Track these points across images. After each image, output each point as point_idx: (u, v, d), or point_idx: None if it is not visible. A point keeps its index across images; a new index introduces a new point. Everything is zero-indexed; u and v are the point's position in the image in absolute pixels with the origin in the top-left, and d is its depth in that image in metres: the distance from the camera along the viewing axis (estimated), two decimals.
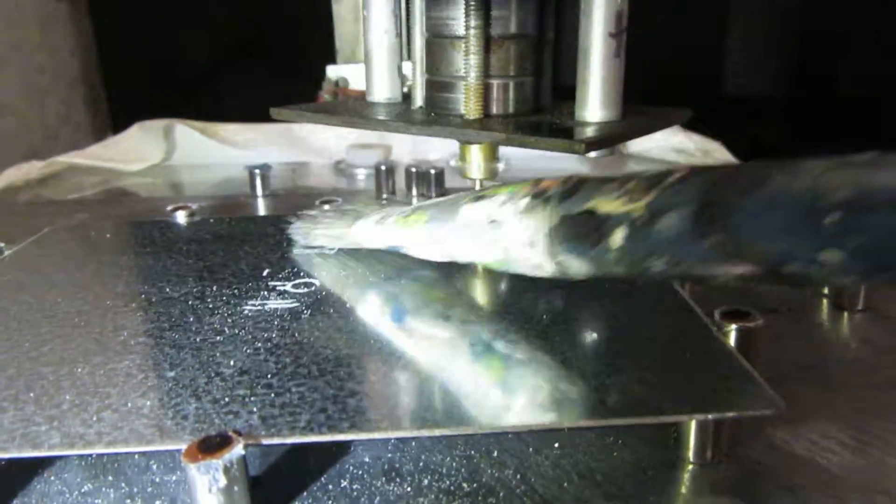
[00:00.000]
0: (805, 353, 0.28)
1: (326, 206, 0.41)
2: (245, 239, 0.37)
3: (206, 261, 0.34)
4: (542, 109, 0.34)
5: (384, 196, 0.53)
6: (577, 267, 0.23)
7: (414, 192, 0.53)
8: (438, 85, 0.33)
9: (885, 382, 0.26)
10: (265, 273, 0.32)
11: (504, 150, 0.34)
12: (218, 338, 0.26)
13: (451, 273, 0.32)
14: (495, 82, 0.32)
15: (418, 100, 0.34)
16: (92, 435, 0.20)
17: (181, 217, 0.41)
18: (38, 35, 1.14)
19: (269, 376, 0.23)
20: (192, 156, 0.66)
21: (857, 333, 0.30)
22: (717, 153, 0.60)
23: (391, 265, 0.33)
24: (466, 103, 0.31)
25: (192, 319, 0.28)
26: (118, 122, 1.18)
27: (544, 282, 0.27)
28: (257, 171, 0.54)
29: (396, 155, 0.63)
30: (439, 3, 0.32)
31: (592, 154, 0.29)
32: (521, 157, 0.59)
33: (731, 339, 0.25)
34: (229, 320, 0.27)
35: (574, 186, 0.23)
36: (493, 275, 0.31)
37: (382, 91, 0.36)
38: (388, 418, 0.21)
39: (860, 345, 0.29)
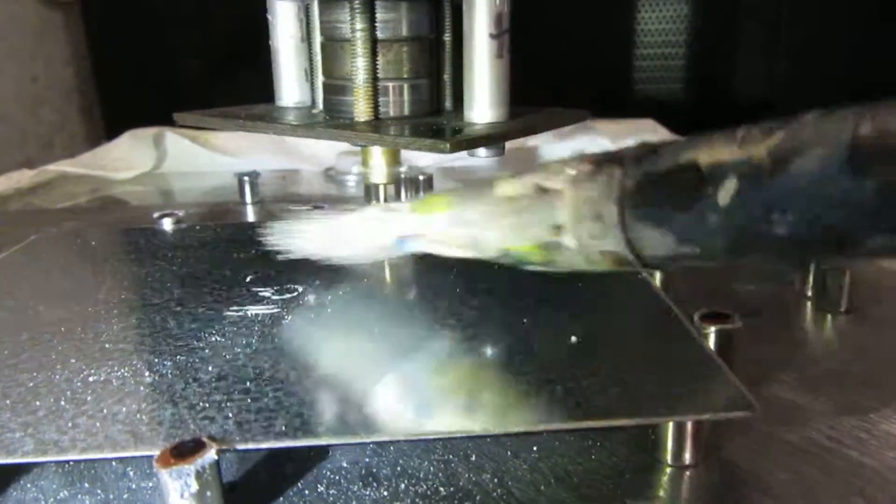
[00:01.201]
0: (786, 354, 0.28)
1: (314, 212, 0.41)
2: (230, 245, 0.37)
3: (189, 267, 0.34)
4: (441, 112, 0.34)
5: (373, 203, 0.53)
6: (657, 242, 0.19)
7: (403, 198, 0.53)
8: (334, 88, 0.33)
9: (863, 383, 0.26)
10: (248, 279, 0.32)
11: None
12: (197, 343, 0.26)
13: (431, 273, 0.32)
14: (389, 84, 0.32)
15: (319, 103, 0.35)
16: (66, 441, 0.20)
17: (167, 224, 0.41)
18: (32, 44, 1.14)
19: (246, 382, 0.23)
20: (182, 163, 0.66)
21: (839, 335, 0.30)
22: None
23: (375, 266, 0.33)
24: (356, 105, 0.32)
25: (172, 325, 0.28)
26: (111, 130, 1.18)
27: (525, 282, 0.27)
28: (246, 178, 0.54)
29: None
30: (329, 7, 0.32)
31: (482, 153, 0.29)
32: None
33: (711, 342, 0.25)
34: (210, 326, 0.27)
35: (655, 148, 0.19)
36: (473, 273, 0.31)
37: (291, 95, 0.36)
38: (363, 423, 0.21)
39: (841, 346, 0.29)
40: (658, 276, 0.31)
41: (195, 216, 0.51)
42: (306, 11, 0.35)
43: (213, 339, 0.26)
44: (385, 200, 0.38)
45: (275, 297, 0.30)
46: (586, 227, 0.20)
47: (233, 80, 1.08)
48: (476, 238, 0.23)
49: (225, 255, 0.35)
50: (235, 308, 0.29)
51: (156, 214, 0.41)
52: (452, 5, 0.34)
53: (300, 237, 0.29)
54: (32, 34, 1.14)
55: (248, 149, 0.65)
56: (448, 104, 0.35)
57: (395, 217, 0.26)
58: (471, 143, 0.29)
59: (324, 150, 0.64)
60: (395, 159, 0.35)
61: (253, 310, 0.29)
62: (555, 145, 0.63)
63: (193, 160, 0.66)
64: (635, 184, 0.19)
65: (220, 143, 0.67)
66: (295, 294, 0.30)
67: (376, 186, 0.37)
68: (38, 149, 1.17)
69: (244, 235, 0.38)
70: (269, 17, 0.36)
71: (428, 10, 0.33)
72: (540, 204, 0.21)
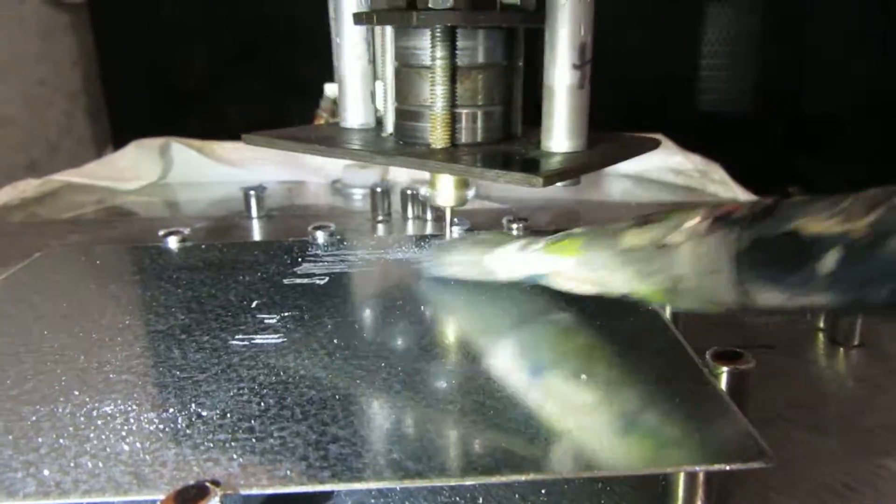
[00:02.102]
0: (799, 391, 0.28)
1: (319, 232, 0.41)
2: (235, 266, 0.37)
3: (195, 290, 0.34)
4: (513, 137, 0.34)
5: (379, 217, 0.53)
6: (769, 297, 0.21)
7: (409, 213, 0.53)
8: (407, 114, 0.33)
9: (876, 424, 0.26)
10: (254, 304, 0.32)
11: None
12: (202, 376, 0.26)
13: (446, 301, 0.32)
14: (463, 112, 0.32)
15: (389, 127, 0.34)
16: (68, 483, 0.20)
17: (173, 242, 0.40)
18: (40, 46, 1.15)
19: (251, 420, 0.23)
20: (188, 174, 0.66)
21: (852, 370, 0.30)
22: (714, 174, 0.60)
23: (381, 294, 0.32)
24: (433, 132, 0.31)
25: (176, 355, 0.27)
26: (118, 132, 1.18)
27: (533, 323, 0.26)
28: (252, 192, 0.54)
29: (393, 175, 0.63)
30: (407, 33, 0.32)
31: (561, 183, 0.29)
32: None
33: (723, 382, 0.24)
34: (214, 357, 0.27)
35: (767, 209, 0.21)
36: (489, 305, 0.31)
37: (356, 117, 0.36)
38: (370, 467, 0.20)
39: (854, 382, 0.29)
40: (668, 307, 0.30)
41: (201, 231, 0.51)
42: (373, 35, 0.34)
43: (218, 370, 0.26)
44: (451, 223, 0.37)
45: (280, 326, 0.30)
46: (704, 281, 0.23)
47: (239, 84, 1.08)
48: (604, 280, 0.27)
49: (230, 278, 0.35)
50: (241, 337, 0.29)
51: (161, 232, 0.41)
52: (526, 30, 0.33)
53: (447, 267, 0.33)
54: (39, 37, 1.14)
55: (253, 160, 0.65)
56: (518, 129, 0.35)
57: (533, 255, 0.29)
58: (561, 177, 0.28)
59: (330, 163, 0.64)
60: (463, 183, 0.34)
61: (258, 339, 0.28)
62: None
63: (199, 171, 0.66)
64: (749, 244, 0.21)
65: (225, 154, 0.67)
66: (300, 322, 0.30)
67: (443, 210, 0.36)
68: (45, 151, 1.17)
69: (250, 256, 0.38)
70: (337, 39, 0.35)
71: (504, 36, 0.32)
72: (661, 255, 0.24)
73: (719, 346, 0.26)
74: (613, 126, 0.68)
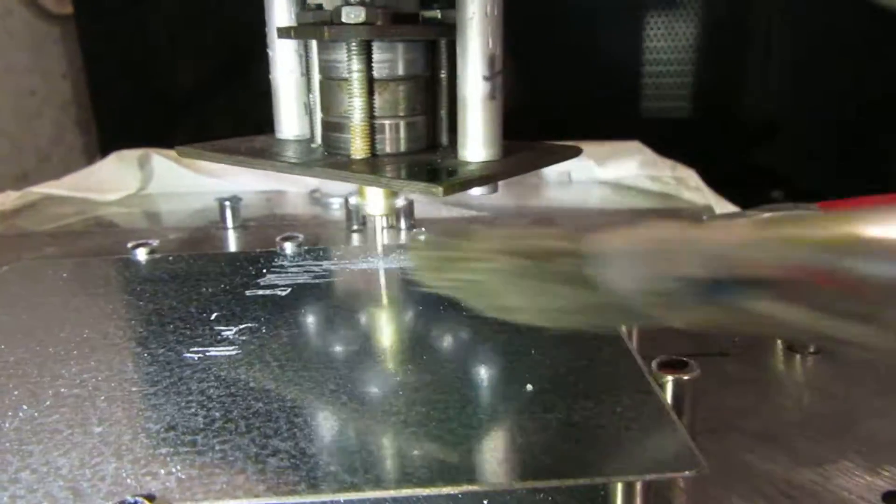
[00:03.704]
0: (750, 399, 0.28)
1: (287, 243, 0.41)
2: (200, 279, 0.37)
3: (156, 303, 0.34)
4: (438, 147, 0.34)
5: (354, 227, 0.53)
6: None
7: (383, 223, 0.53)
8: (332, 125, 0.33)
9: (822, 433, 0.26)
10: (213, 317, 0.32)
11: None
12: (151, 389, 0.26)
13: (402, 315, 0.32)
14: (386, 122, 0.32)
15: (318, 138, 0.35)
16: (5, 499, 0.20)
17: (141, 254, 0.41)
18: (29, 57, 1.15)
19: (195, 433, 0.23)
20: (167, 185, 0.66)
21: (806, 378, 0.30)
22: (690, 181, 0.60)
23: (340, 305, 0.33)
24: (353, 143, 0.32)
25: (129, 368, 0.27)
26: (107, 143, 1.19)
27: (484, 329, 0.27)
28: (227, 202, 0.54)
29: None
30: (328, 47, 0.32)
31: (476, 191, 0.29)
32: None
33: (668, 391, 0.25)
34: (167, 370, 0.27)
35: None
36: (449, 318, 0.31)
37: (290, 128, 0.36)
38: (306, 480, 0.20)
39: (806, 390, 0.29)
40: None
41: (175, 241, 0.51)
42: (305, 47, 0.35)
43: (168, 384, 0.26)
44: (383, 230, 0.38)
45: (236, 338, 0.30)
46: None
47: (227, 95, 1.09)
48: None
49: (194, 290, 0.35)
50: (195, 350, 0.29)
51: (130, 244, 0.41)
52: (448, 42, 0.34)
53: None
54: (29, 47, 1.15)
55: (232, 170, 0.65)
56: (444, 139, 0.35)
57: None
58: (463, 186, 0.29)
59: None
60: (391, 192, 0.35)
61: (212, 351, 0.29)
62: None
63: (178, 181, 0.66)
64: None
65: (204, 164, 0.67)
66: (257, 334, 0.30)
67: (373, 217, 0.37)
68: (35, 162, 1.17)
69: (216, 268, 0.38)
70: (269, 51, 0.36)
71: (424, 49, 0.33)
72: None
73: (674, 353, 0.26)
74: (591, 133, 0.68)
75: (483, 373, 0.26)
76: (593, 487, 0.22)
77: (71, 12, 1.16)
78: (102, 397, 0.25)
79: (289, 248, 0.41)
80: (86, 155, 1.27)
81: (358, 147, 0.32)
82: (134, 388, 0.26)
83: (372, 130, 0.32)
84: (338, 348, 0.29)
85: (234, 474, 0.21)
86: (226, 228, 0.54)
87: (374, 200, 0.34)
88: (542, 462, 0.21)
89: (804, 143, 0.87)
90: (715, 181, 0.60)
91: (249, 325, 0.31)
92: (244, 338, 0.30)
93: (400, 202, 0.35)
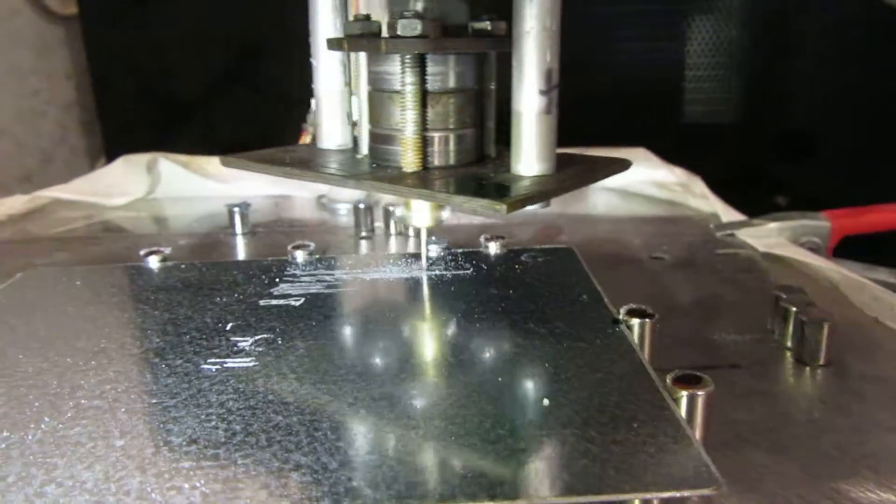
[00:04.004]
0: (761, 412, 0.28)
1: (298, 252, 0.41)
2: (214, 288, 0.37)
3: (171, 312, 0.34)
4: (486, 159, 0.35)
5: (363, 233, 0.53)
6: None
7: (392, 229, 0.53)
8: (380, 137, 0.33)
9: (834, 446, 0.26)
10: (228, 327, 0.32)
11: None
12: (171, 401, 0.26)
13: (407, 329, 0.32)
14: (435, 135, 0.32)
15: (364, 149, 0.35)
16: None
17: (153, 262, 0.41)
18: (34, 58, 1.15)
19: (216, 446, 0.23)
20: (175, 189, 0.67)
21: (816, 391, 0.30)
22: (696, 187, 0.61)
23: (355, 316, 0.33)
24: (404, 156, 0.32)
25: (148, 380, 0.28)
26: (111, 143, 1.19)
27: (502, 342, 0.27)
28: (236, 209, 0.54)
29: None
30: (378, 58, 0.32)
31: (531, 207, 0.29)
32: None
33: (682, 406, 0.25)
34: (185, 382, 0.27)
35: None
36: (452, 331, 0.31)
37: (333, 138, 0.36)
38: (328, 495, 0.21)
39: (817, 403, 0.29)
40: (636, 326, 0.31)
41: (185, 248, 0.51)
42: (348, 57, 0.35)
43: (188, 396, 0.26)
44: (427, 243, 0.38)
45: (252, 349, 0.30)
46: None
47: (231, 97, 1.09)
48: None
49: (208, 299, 0.36)
50: (213, 360, 0.29)
51: (142, 251, 0.41)
52: (498, 53, 0.34)
53: None
54: (34, 48, 1.15)
55: (240, 175, 0.66)
56: (492, 150, 0.35)
57: None
58: (524, 203, 0.28)
59: None
60: (438, 203, 0.35)
61: (230, 363, 0.29)
62: None
63: (186, 186, 0.66)
64: None
65: (212, 169, 0.67)
66: (273, 345, 0.30)
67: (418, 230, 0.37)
68: (38, 162, 1.18)
69: (228, 276, 0.39)
70: (313, 61, 0.36)
71: (474, 61, 0.33)
72: None
73: (686, 366, 0.26)
74: (596, 138, 0.68)
75: (500, 387, 0.27)
76: None
77: (76, 13, 1.17)
78: (123, 409, 0.26)
79: (300, 256, 0.41)
80: (89, 156, 1.28)
81: (410, 160, 0.32)
82: (154, 400, 0.26)
83: (424, 144, 0.32)
84: (354, 360, 0.29)
85: (257, 489, 0.21)
86: (235, 234, 0.54)
87: (421, 212, 0.34)
88: (561, 479, 0.21)
89: (811, 149, 0.88)
90: (718, 187, 0.61)
91: (265, 335, 0.31)
92: (260, 349, 0.30)
93: (446, 214, 0.35)
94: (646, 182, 0.64)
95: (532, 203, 0.29)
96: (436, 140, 0.33)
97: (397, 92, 0.32)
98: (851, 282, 0.40)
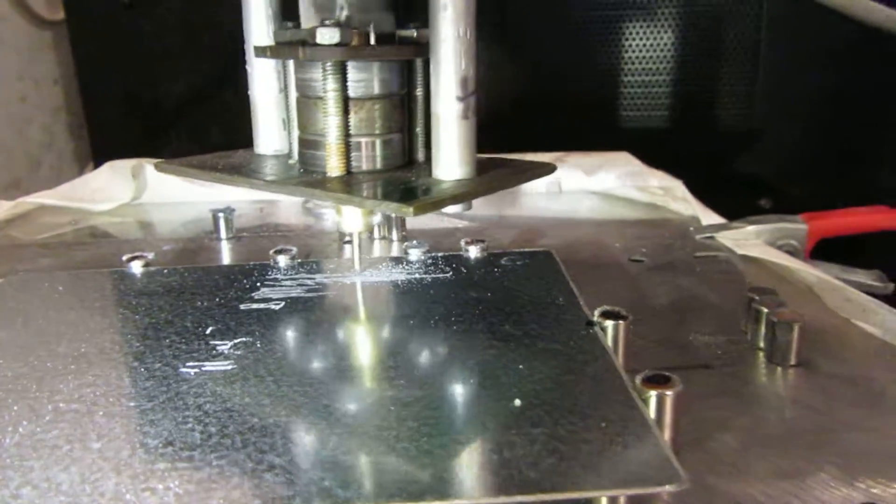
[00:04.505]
0: (732, 411, 0.29)
1: (280, 256, 0.41)
2: (195, 292, 0.37)
3: (152, 317, 0.34)
4: (413, 163, 0.35)
5: (346, 238, 0.54)
6: None
7: (376, 234, 0.54)
8: (308, 142, 0.34)
9: (802, 445, 0.26)
10: (208, 331, 0.33)
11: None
12: (149, 404, 0.26)
13: (384, 332, 0.33)
14: (362, 140, 0.33)
15: (294, 155, 0.35)
16: None
17: (136, 267, 0.41)
18: (20, 63, 1.15)
19: (192, 448, 0.23)
20: (161, 194, 0.67)
21: (787, 391, 0.31)
22: (677, 191, 0.61)
23: (333, 319, 0.33)
24: (328, 161, 0.32)
25: (127, 383, 0.28)
26: (99, 150, 1.19)
27: (474, 344, 0.27)
28: (220, 214, 0.54)
29: None
30: (304, 66, 0.33)
31: (450, 209, 0.30)
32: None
33: (651, 405, 0.25)
34: (164, 385, 0.28)
35: None
36: (424, 334, 0.32)
37: (269, 144, 0.37)
38: (300, 495, 0.21)
39: (787, 402, 0.30)
40: (610, 328, 0.31)
41: (169, 253, 0.51)
42: (283, 64, 0.36)
43: (165, 399, 0.27)
44: (360, 249, 0.39)
45: (231, 352, 0.30)
46: None
47: (219, 102, 1.09)
48: None
49: (189, 304, 0.36)
50: (192, 364, 0.29)
51: (125, 257, 0.42)
52: (424, 60, 0.35)
53: None
54: (20, 53, 1.15)
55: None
56: (420, 155, 0.36)
57: None
58: (434, 206, 0.30)
59: None
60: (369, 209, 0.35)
61: (208, 366, 0.29)
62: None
63: (172, 191, 0.66)
64: None
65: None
66: (252, 349, 0.31)
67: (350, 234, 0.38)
68: (26, 168, 1.17)
69: (210, 281, 0.39)
70: (248, 68, 0.37)
71: (399, 68, 0.34)
72: None
73: (658, 366, 0.27)
74: (581, 144, 0.69)
75: (472, 388, 0.27)
76: (577, 502, 0.23)
77: (63, 18, 1.17)
78: (101, 412, 0.26)
79: (282, 261, 0.41)
80: (77, 161, 1.28)
81: (333, 165, 0.32)
82: (131, 404, 0.27)
83: (347, 148, 0.33)
84: (331, 363, 0.29)
85: (230, 489, 0.21)
86: (220, 239, 0.54)
87: (352, 217, 0.35)
88: (528, 476, 0.22)
89: (790, 152, 0.89)
90: (701, 191, 0.62)
91: (244, 339, 0.32)
92: (239, 352, 0.30)
93: (377, 219, 0.36)
94: (628, 186, 0.64)
95: (443, 206, 0.30)
96: (362, 145, 0.33)
97: (321, 98, 0.32)
98: (825, 283, 0.41)
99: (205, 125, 1.10)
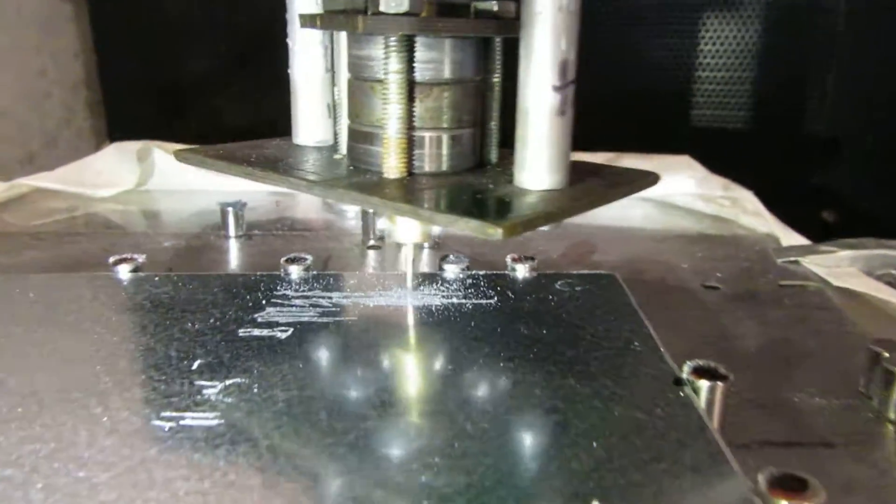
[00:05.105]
0: None
1: (293, 267, 0.35)
2: (186, 310, 0.31)
3: (130, 341, 0.28)
4: (486, 166, 0.29)
5: (370, 242, 0.47)
6: None
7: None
8: (360, 135, 0.28)
9: None
10: (195, 365, 0.26)
11: None
12: (104, 476, 0.20)
13: (417, 381, 0.26)
14: (426, 135, 0.27)
15: (342, 148, 0.29)
16: None
17: (123, 272, 0.35)
18: (40, 37, 1.10)
19: None
20: (169, 181, 0.61)
21: None
22: (747, 203, 0.54)
23: (352, 356, 0.27)
24: (385, 159, 0.26)
25: (81, 440, 0.22)
26: (115, 128, 1.14)
27: (534, 406, 0.21)
28: (230, 208, 0.48)
29: None
30: (360, 41, 0.26)
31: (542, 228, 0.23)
32: None
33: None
34: (128, 444, 0.21)
35: None
36: (472, 388, 0.25)
37: (311, 133, 0.31)
38: None
39: None
40: (704, 390, 0.24)
41: (168, 250, 0.45)
42: (332, 39, 0.29)
43: (126, 468, 0.20)
44: (414, 263, 0.32)
45: (219, 400, 0.24)
46: None
47: (241, 81, 1.03)
48: None
49: (177, 325, 0.29)
50: (168, 414, 0.23)
51: (111, 259, 0.35)
52: (504, 39, 0.28)
53: None
54: (40, 27, 1.10)
55: None
56: (493, 155, 0.30)
57: None
58: (526, 227, 0.23)
59: None
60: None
61: (188, 418, 0.23)
62: None
63: (181, 178, 0.60)
64: None
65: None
66: (246, 395, 0.24)
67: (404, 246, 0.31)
68: (42, 145, 1.13)
69: (207, 294, 0.32)
70: (290, 42, 0.30)
71: (475, 48, 0.27)
72: None
73: (761, 439, 0.20)
74: (636, 146, 0.61)
75: (533, 474, 0.20)
76: None
77: None
78: (39, 485, 0.20)
79: (294, 272, 0.35)
80: (95, 138, 1.22)
81: (392, 165, 0.26)
82: (81, 473, 0.20)
83: (409, 145, 0.26)
84: (346, 424, 0.23)
85: None
86: (228, 237, 0.48)
87: (408, 227, 0.29)
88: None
89: (862, 161, 0.80)
90: (762, 199, 0.54)
91: (238, 380, 0.25)
92: (230, 399, 0.24)
93: (437, 230, 0.29)
94: (689, 194, 0.57)
95: (535, 227, 0.23)
96: (426, 141, 0.27)
97: (380, 81, 0.26)
98: None
99: (226, 106, 1.04)
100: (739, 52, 0.78)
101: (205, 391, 0.24)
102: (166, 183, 0.61)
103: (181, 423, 0.23)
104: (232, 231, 0.48)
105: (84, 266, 0.42)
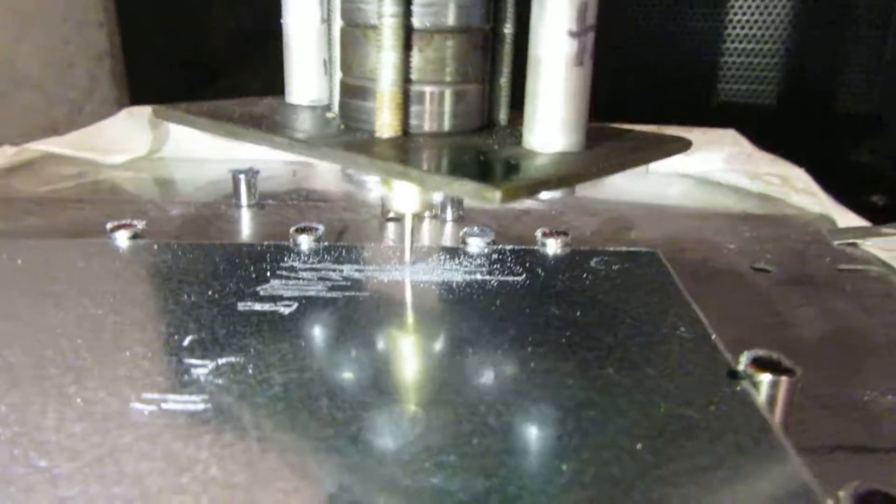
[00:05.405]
0: None
1: (302, 236, 0.32)
2: (184, 280, 0.28)
3: (119, 312, 0.25)
4: (494, 126, 0.26)
5: (390, 214, 0.44)
6: None
7: (427, 212, 0.44)
8: (353, 89, 0.25)
9: None
10: (186, 341, 0.23)
11: None
12: (68, 466, 0.17)
13: (431, 366, 0.23)
14: (426, 90, 0.24)
15: (334, 106, 0.26)
16: None
17: (121, 238, 0.32)
18: (65, 5, 1.08)
19: None
20: (183, 148, 0.58)
21: None
22: (798, 182, 0.50)
23: (361, 335, 0.24)
24: (378, 115, 0.23)
25: (50, 422, 0.19)
26: (139, 98, 1.12)
27: (566, 398, 0.18)
28: (241, 175, 0.45)
29: None
30: None
31: (545, 196, 0.20)
32: None
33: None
34: (100, 431, 0.19)
35: None
36: (494, 375, 0.22)
37: (305, 91, 0.28)
38: None
39: None
40: (765, 385, 0.21)
41: (175, 219, 0.43)
42: None
43: (94, 457, 0.18)
44: (414, 232, 0.29)
45: (209, 380, 0.21)
46: None
47: (265, 53, 1.01)
48: None
49: (172, 296, 0.27)
50: (150, 396, 0.20)
51: (109, 225, 0.33)
52: None
53: None
54: None
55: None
56: (503, 116, 0.27)
57: None
58: (529, 190, 0.20)
59: None
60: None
61: (171, 402, 0.20)
62: None
63: (196, 145, 0.58)
64: None
65: None
66: (239, 376, 0.21)
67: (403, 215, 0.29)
68: (66, 114, 1.11)
69: (207, 264, 0.30)
70: None
71: None
72: None
73: (830, 444, 0.17)
74: (675, 120, 0.57)
75: (563, 486, 0.17)
76: None
77: None
78: None
79: (304, 242, 0.32)
80: (118, 109, 1.21)
81: (385, 122, 0.23)
82: (43, 463, 0.17)
83: (406, 99, 0.23)
84: (348, 413, 0.20)
85: None
86: (239, 206, 0.46)
87: (406, 194, 0.26)
88: None
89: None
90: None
91: (232, 359, 0.22)
92: (220, 381, 0.21)
93: (439, 197, 0.26)
94: (732, 170, 0.53)
95: (540, 190, 0.20)
96: (426, 96, 0.24)
97: (374, 27, 0.23)
98: None
99: (250, 79, 1.01)
100: (787, 23, 0.73)
101: (193, 371, 0.22)
102: (180, 150, 0.59)
103: (163, 406, 0.20)
104: (244, 200, 0.46)
105: (84, 234, 0.39)
